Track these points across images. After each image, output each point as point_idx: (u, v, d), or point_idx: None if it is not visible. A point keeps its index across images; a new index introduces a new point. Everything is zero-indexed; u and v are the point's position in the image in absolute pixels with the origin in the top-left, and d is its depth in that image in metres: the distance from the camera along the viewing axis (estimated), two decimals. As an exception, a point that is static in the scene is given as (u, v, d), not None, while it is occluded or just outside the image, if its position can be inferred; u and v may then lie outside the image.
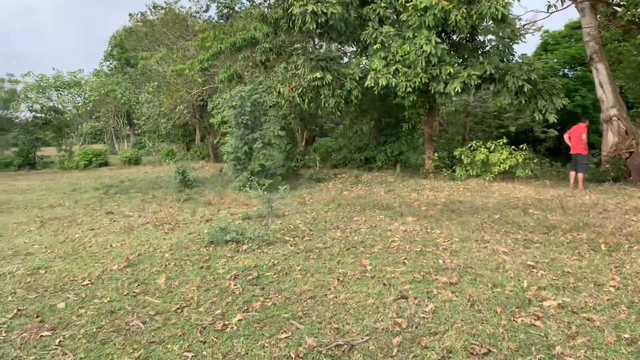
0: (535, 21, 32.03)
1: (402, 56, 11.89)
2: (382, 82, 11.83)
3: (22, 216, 11.11)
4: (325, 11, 11.61)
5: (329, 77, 12.56)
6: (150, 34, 31.87)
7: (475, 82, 11.51)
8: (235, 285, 5.27)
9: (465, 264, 5.57)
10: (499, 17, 10.68)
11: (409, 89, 11.74)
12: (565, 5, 15.54)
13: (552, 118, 12.08)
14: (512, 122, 31.01)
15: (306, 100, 13.53)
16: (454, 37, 13.37)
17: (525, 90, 11.42)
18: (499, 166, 11.48)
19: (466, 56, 12.68)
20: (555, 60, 28.79)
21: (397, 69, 11.88)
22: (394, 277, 5.22)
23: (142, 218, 10.14)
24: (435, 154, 14.12)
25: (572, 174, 11.52)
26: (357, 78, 12.84)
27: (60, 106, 34.96)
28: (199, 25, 23.72)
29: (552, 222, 7.54)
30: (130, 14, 37.64)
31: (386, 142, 15.96)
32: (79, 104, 36.37)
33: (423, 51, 11.38)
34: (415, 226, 7.90)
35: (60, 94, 35.28)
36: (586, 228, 7.05)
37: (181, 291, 5.19)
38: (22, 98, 33.47)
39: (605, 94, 14.77)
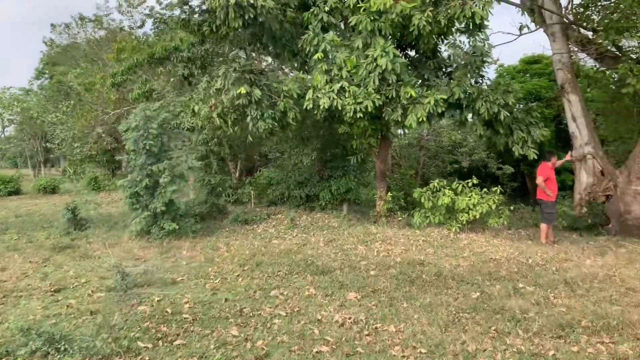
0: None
1: (349, 71, 9.40)
2: (324, 103, 9.26)
3: None
4: (253, 2, 8.98)
5: (257, 93, 9.86)
6: (72, 48, 28.40)
7: (441, 109, 9.15)
8: None
9: None
10: (476, 22, 8.40)
11: (358, 114, 9.22)
12: (536, 28, 13.73)
13: (533, 154, 9.86)
14: (466, 157, 29.57)
15: (229, 122, 10.73)
16: (412, 52, 11.06)
17: (502, 118, 9.16)
18: (468, 213, 9.06)
19: (427, 76, 10.36)
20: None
21: (343, 87, 9.36)
22: None
23: (-37, 283, 6.90)
24: (389, 194, 11.62)
25: (542, 225, 9.24)
26: (295, 96, 10.20)
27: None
28: (120, 36, 20.66)
29: (561, 311, 5.00)
30: (52, 25, 33.47)
31: (331, 178, 13.36)
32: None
33: (377, 66, 8.93)
34: (359, 313, 5.17)
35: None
36: (619, 327, 4.54)
37: None
38: None
39: (579, 128, 12.85)
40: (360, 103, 9.17)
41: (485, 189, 9.40)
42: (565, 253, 7.47)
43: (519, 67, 30.09)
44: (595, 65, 15.50)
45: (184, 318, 5.16)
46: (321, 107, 9.30)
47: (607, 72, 14.98)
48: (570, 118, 13.00)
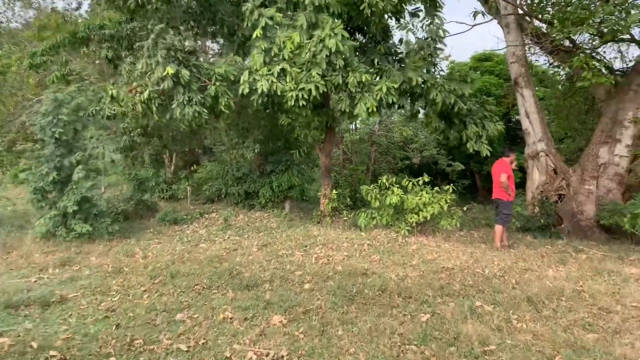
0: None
1: (292, 52, 8.26)
2: (262, 86, 8.08)
3: None
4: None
5: (185, 74, 8.54)
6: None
7: (393, 99, 8.18)
8: None
9: None
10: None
11: (300, 101, 8.10)
12: (490, 18, 13.08)
13: (486, 150, 9.11)
14: (416, 153, 29.20)
15: (154, 109, 9.35)
16: (360, 36, 10.04)
17: (457, 109, 8.32)
18: (418, 214, 8.16)
19: (377, 62, 9.36)
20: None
21: (283, 70, 8.21)
22: None
23: None
24: (334, 192, 10.60)
25: (497, 227, 8.46)
26: (231, 79, 8.94)
27: None
28: (47, 14, 18.58)
29: (527, 340, 4.10)
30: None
31: (273, 173, 12.20)
32: None
33: (324, 47, 7.84)
34: (281, 345, 4.08)
35: None
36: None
37: None
38: None
39: (532, 125, 12.33)
40: (303, 89, 8.06)
41: (436, 188, 8.53)
42: (523, 261, 6.67)
43: (470, 64, 29.92)
44: (549, 61, 15.12)
45: (50, 356, 3.90)
46: (259, 91, 8.11)
47: (560, 67, 14.61)
48: (524, 114, 12.45)
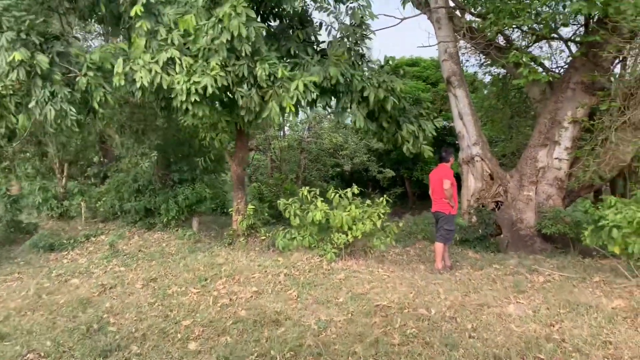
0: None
1: (183, 35, 6.52)
2: (142, 78, 6.28)
3: None
4: None
5: (43, 61, 6.54)
6: None
7: (313, 96, 6.67)
8: None
9: None
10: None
11: (193, 96, 6.37)
12: (418, 13, 12.04)
13: (428, 151, 7.86)
14: (347, 160, 28.26)
15: (11, 107, 7.23)
16: (275, 20, 8.44)
17: (389, 106, 6.95)
18: (346, 234, 6.64)
19: (294, 51, 7.81)
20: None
21: (172, 59, 6.45)
22: None
23: None
24: (250, 206, 8.90)
25: (437, 245, 7.08)
26: (110, 69, 7.01)
27: None
28: None
29: None
30: None
31: (177, 184, 10.29)
32: None
33: (223, 29, 6.18)
34: None
35: None
36: None
37: None
38: None
39: (466, 127, 11.34)
40: (198, 83, 6.34)
41: (368, 201, 7.06)
42: (474, 291, 5.32)
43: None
44: (481, 59, 14.39)
45: None
46: (137, 84, 6.30)
47: (494, 66, 13.89)
48: (457, 115, 11.44)
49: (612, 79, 9.74)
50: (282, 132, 28.08)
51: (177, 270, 6.91)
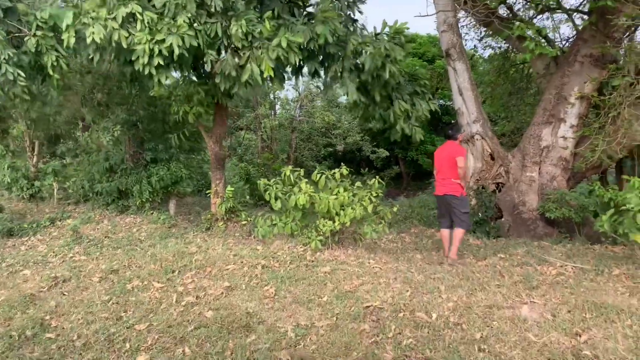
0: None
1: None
2: (95, 35, 5.39)
3: None
4: None
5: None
6: None
7: (297, 59, 5.81)
8: None
9: None
10: None
11: (157, 59, 5.50)
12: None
13: (419, 134, 7.06)
14: (340, 140, 27.54)
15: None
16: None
17: (387, 75, 6.11)
18: (334, 220, 5.86)
19: (278, 14, 6.90)
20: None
21: (133, 14, 5.56)
22: None
23: None
24: (229, 188, 8.08)
25: (444, 232, 6.37)
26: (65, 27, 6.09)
27: None
28: None
29: None
30: None
31: (151, 164, 9.43)
32: None
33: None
34: None
35: None
36: None
37: None
38: None
39: (466, 103, 10.53)
40: (162, 42, 5.46)
41: (358, 184, 6.24)
42: (481, 288, 4.55)
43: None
44: (481, 32, 13.49)
45: None
46: (88, 39, 5.40)
47: (495, 39, 13.04)
48: (457, 91, 10.60)
49: (625, 50, 8.93)
50: (272, 111, 27.21)
51: (143, 260, 6.12)
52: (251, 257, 5.87)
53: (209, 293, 4.79)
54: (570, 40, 11.40)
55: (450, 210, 6.16)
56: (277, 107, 28.39)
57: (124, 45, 5.45)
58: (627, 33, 9.28)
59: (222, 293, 4.76)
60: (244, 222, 7.99)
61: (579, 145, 9.41)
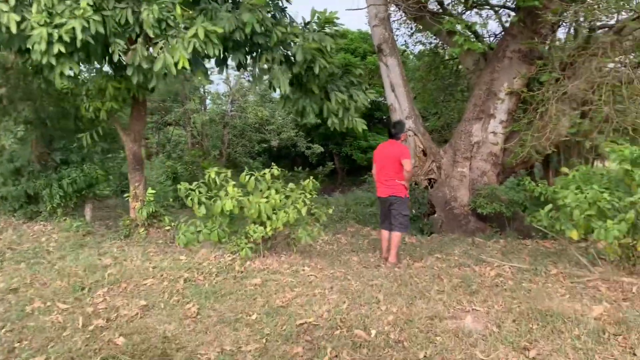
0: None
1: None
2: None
3: None
4: None
5: None
6: None
7: (217, 50, 5.28)
8: None
9: None
10: None
11: (57, 46, 4.78)
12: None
13: (361, 125, 6.77)
14: (274, 135, 26.99)
15: None
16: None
17: (317, 69, 5.73)
18: (264, 226, 5.40)
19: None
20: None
21: (26, -4, 4.80)
22: None
23: None
24: (150, 190, 7.40)
25: (385, 233, 6.11)
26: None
27: None
28: None
29: None
30: None
31: (62, 165, 8.49)
32: None
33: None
34: None
35: None
36: None
37: None
38: None
39: (399, 99, 10.43)
40: (61, 25, 4.75)
41: (291, 185, 5.83)
42: (422, 297, 4.28)
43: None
44: (412, 28, 13.51)
45: None
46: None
47: (425, 34, 13.10)
48: (389, 86, 10.47)
49: (552, 47, 9.17)
50: (203, 106, 26.18)
51: (48, 275, 5.36)
52: (173, 269, 5.31)
53: (121, 314, 4.20)
54: (499, 36, 11.64)
55: (391, 213, 5.90)
56: (208, 101, 27.39)
57: (13, 30, 4.68)
58: (554, 29, 9.54)
59: (137, 314, 4.19)
60: (167, 228, 7.35)
61: (509, 141, 9.57)
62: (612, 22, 8.07)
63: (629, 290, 4.10)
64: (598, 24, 8.39)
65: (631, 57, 7.62)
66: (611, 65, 7.96)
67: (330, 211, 5.95)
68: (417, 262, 5.75)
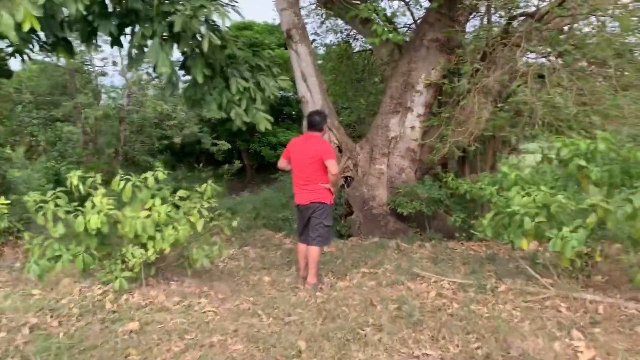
0: None
1: None
2: None
3: None
4: None
5: None
6: None
7: (81, 8, 3.90)
8: None
9: None
10: None
11: None
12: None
13: (266, 123, 5.63)
14: (177, 131, 25.11)
15: None
16: None
17: (205, 46, 4.52)
18: (146, 248, 4.06)
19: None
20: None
21: None
22: None
23: None
24: (2, 200, 5.70)
25: (302, 247, 5.03)
26: None
27: None
28: None
29: None
30: None
31: None
32: None
33: None
34: None
35: None
36: None
37: None
38: None
39: (311, 91, 9.48)
40: None
41: (181, 192, 4.56)
42: (353, 335, 3.31)
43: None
44: (323, 15, 12.63)
45: None
46: None
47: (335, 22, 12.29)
48: (300, 77, 9.46)
49: (470, 36, 8.75)
50: (96, 100, 23.77)
51: None
52: (19, 310, 3.86)
53: None
54: (412, 26, 11.12)
55: (310, 224, 4.80)
56: (103, 95, 24.89)
57: None
58: (467, 18, 9.14)
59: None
60: (27, 246, 5.73)
61: (427, 136, 9.04)
62: (532, 9, 7.74)
63: (594, 310, 3.47)
64: (517, 12, 8.03)
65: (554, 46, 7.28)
66: (532, 55, 7.64)
67: (235, 224, 4.76)
68: (342, 280, 4.81)
